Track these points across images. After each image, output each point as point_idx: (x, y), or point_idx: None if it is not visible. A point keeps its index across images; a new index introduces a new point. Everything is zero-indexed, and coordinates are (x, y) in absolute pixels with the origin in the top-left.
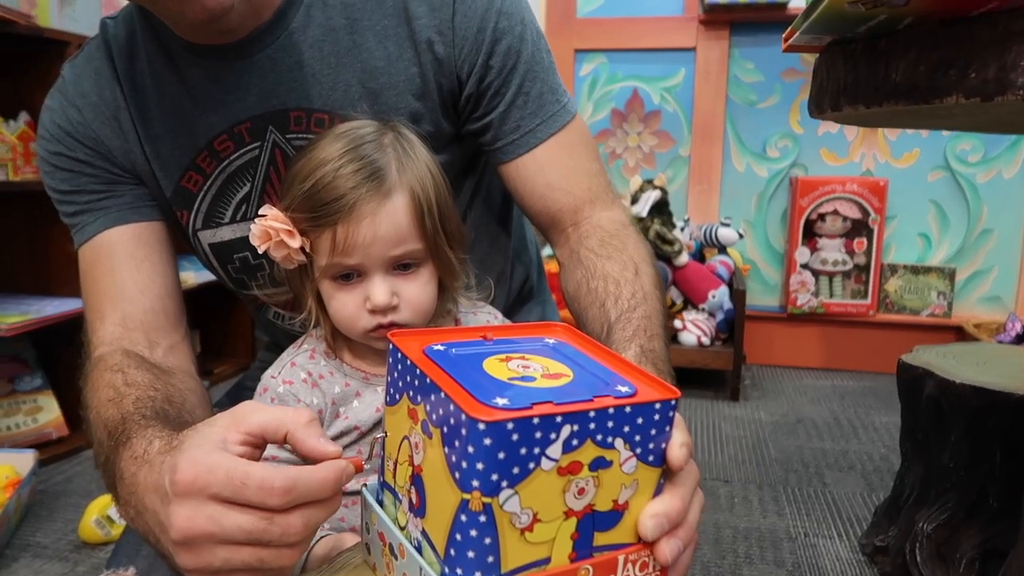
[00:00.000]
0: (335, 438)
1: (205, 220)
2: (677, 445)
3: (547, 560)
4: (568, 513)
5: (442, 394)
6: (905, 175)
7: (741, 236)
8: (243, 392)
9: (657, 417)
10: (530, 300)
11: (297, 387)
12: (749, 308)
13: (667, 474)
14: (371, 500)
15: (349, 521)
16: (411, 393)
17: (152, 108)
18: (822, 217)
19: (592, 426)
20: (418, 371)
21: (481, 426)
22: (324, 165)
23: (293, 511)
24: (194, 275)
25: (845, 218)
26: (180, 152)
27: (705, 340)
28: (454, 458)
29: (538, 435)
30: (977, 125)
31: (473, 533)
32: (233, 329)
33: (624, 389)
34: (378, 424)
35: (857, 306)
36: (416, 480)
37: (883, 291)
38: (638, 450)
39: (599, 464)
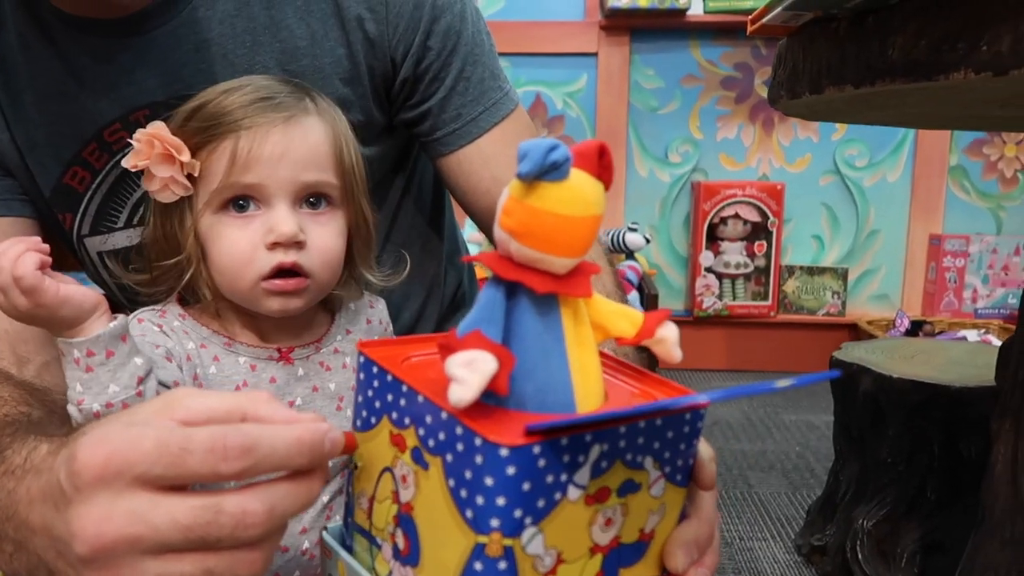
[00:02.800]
0: None
1: (94, 225)
2: (708, 460)
3: None
4: (594, 549)
5: (443, 414)
6: (798, 179)
7: (648, 241)
8: None
9: (687, 430)
10: (463, 307)
11: (151, 335)
12: None
13: (690, 494)
14: (336, 546)
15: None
16: (394, 415)
17: (24, 90)
18: (724, 221)
19: (622, 444)
20: (405, 388)
21: (504, 452)
22: (204, 96)
23: (249, 490)
24: None
25: (746, 221)
26: (61, 143)
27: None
28: (464, 493)
29: (566, 459)
30: (946, 118)
31: None
32: None
33: (645, 399)
34: None
35: (759, 307)
36: (404, 521)
37: (782, 292)
38: (667, 469)
39: (628, 488)
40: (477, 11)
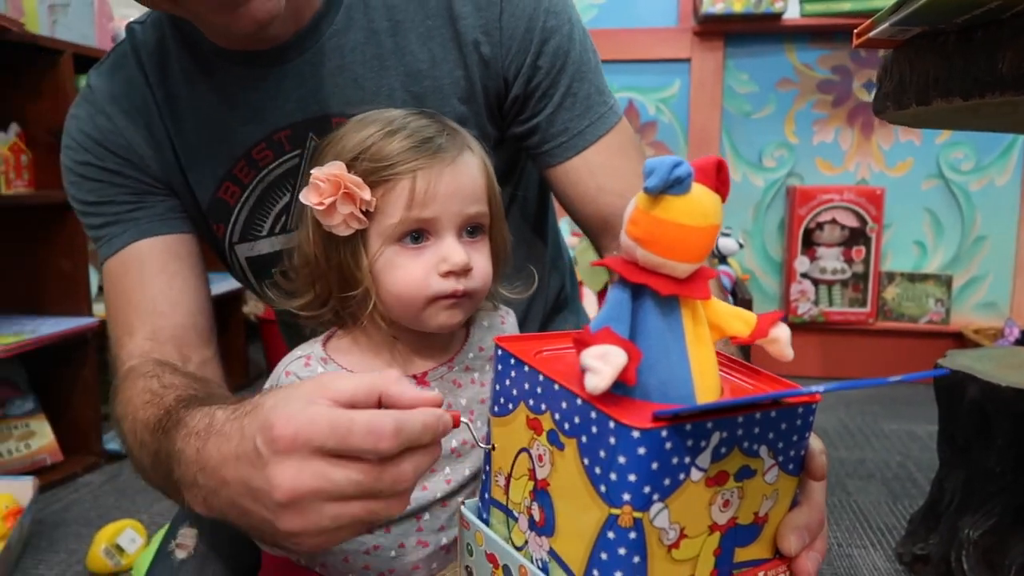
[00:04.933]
0: None
1: (243, 233)
2: (819, 452)
3: None
4: (713, 527)
5: (579, 400)
6: (899, 184)
7: (741, 246)
8: None
9: (799, 422)
10: (564, 309)
11: None
12: None
13: (801, 484)
14: (473, 518)
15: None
16: (531, 402)
17: (187, 118)
18: (820, 226)
19: (740, 432)
20: (541, 377)
21: (635, 434)
22: (368, 138)
23: (402, 458)
24: None
25: (843, 227)
26: (217, 162)
27: None
28: (598, 470)
29: (689, 443)
30: None
31: (621, 551)
32: (227, 346)
33: (759, 394)
34: None
35: (856, 314)
36: (540, 495)
37: (881, 299)
38: (780, 458)
39: (744, 474)
40: (584, 31)
